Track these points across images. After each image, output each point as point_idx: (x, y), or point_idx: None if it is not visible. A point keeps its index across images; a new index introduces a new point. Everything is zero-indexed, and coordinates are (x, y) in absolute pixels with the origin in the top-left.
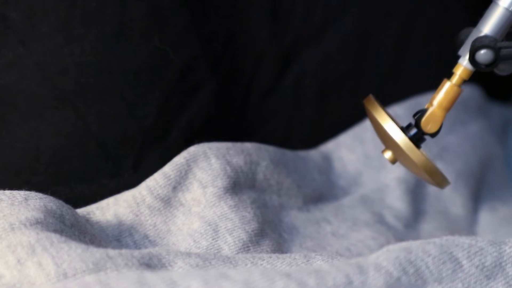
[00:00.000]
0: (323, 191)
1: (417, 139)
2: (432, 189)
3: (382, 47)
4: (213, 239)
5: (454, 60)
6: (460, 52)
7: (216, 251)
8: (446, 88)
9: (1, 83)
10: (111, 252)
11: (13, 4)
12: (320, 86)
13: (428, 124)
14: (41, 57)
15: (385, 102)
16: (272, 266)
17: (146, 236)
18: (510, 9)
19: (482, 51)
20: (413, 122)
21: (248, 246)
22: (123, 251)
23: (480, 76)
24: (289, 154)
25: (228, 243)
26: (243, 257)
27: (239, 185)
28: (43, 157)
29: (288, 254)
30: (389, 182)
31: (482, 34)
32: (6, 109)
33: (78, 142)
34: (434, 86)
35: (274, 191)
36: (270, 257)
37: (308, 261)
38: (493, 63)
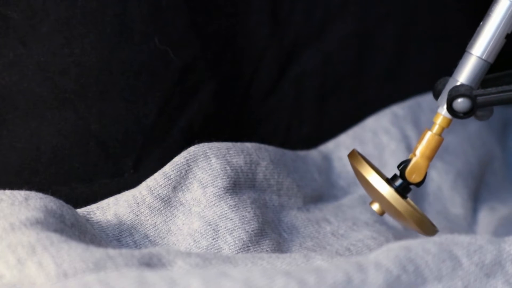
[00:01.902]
0: (323, 191)
1: (403, 190)
2: (431, 189)
3: (382, 47)
4: (213, 239)
5: (453, 60)
6: (438, 102)
7: (216, 251)
8: (428, 138)
9: (1, 83)
10: (111, 251)
11: (14, 4)
12: (320, 86)
13: (413, 174)
14: (42, 57)
15: (385, 102)
16: (272, 266)
17: (146, 236)
18: (483, 57)
19: (459, 100)
20: (397, 172)
21: (248, 246)
22: (123, 250)
23: None
24: (289, 154)
25: (228, 243)
26: (243, 257)
27: (239, 185)
28: (43, 157)
29: (288, 254)
30: None
31: (458, 83)
32: (6, 109)
33: (78, 142)
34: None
35: (274, 191)
36: (270, 257)
37: (308, 261)
38: (471, 111)
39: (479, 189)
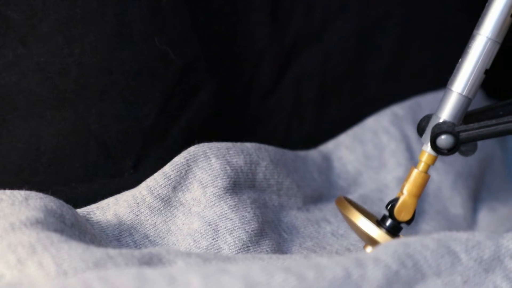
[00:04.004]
0: (323, 191)
1: (393, 229)
2: (431, 189)
3: (382, 47)
4: (213, 239)
5: (454, 60)
6: (422, 139)
7: (216, 251)
8: (414, 176)
9: (1, 83)
10: (112, 251)
11: (14, 4)
12: (320, 86)
13: (401, 212)
14: (42, 57)
15: (385, 102)
16: None
17: (146, 236)
18: (463, 93)
19: (442, 137)
20: (387, 213)
21: (248, 246)
22: (124, 250)
23: None
24: (289, 154)
25: (228, 243)
26: (243, 257)
27: (239, 185)
28: (43, 157)
29: (288, 255)
30: (388, 182)
31: (441, 120)
32: (6, 109)
33: (78, 142)
34: (434, 86)
35: (274, 191)
36: (271, 258)
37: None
38: (454, 147)
39: (479, 189)
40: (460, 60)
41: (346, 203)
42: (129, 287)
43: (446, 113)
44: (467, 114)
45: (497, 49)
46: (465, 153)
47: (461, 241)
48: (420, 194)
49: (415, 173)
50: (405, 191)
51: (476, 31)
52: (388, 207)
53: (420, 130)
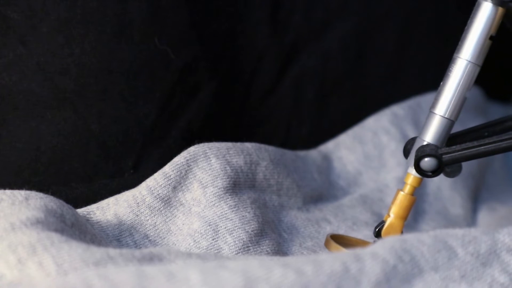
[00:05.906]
0: (323, 191)
1: None
2: (431, 189)
3: (382, 47)
4: (213, 239)
5: None
6: (407, 162)
7: (216, 251)
8: (400, 198)
9: (1, 83)
10: (112, 251)
11: (14, 4)
12: (320, 86)
13: (388, 235)
14: (42, 57)
15: (385, 102)
16: None
17: (146, 236)
18: (446, 116)
19: (426, 159)
20: (376, 237)
21: (248, 246)
22: (124, 250)
23: (480, 76)
24: (289, 154)
25: (228, 243)
26: (244, 258)
27: (239, 185)
28: (43, 157)
29: (290, 257)
30: (388, 182)
31: (425, 143)
32: (6, 109)
33: (78, 142)
34: (434, 86)
35: (274, 191)
36: (271, 260)
37: None
38: (438, 169)
39: (479, 189)
40: (441, 83)
41: (334, 243)
42: (129, 284)
43: (429, 136)
44: (452, 136)
45: (477, 72)
46: (450, 174)
47: (457, 236)
48: (407, 216)
49: (401, 195)
50: (391, 214)
51: (456, 54)
52: (376, 231)
53: (406, 153)
